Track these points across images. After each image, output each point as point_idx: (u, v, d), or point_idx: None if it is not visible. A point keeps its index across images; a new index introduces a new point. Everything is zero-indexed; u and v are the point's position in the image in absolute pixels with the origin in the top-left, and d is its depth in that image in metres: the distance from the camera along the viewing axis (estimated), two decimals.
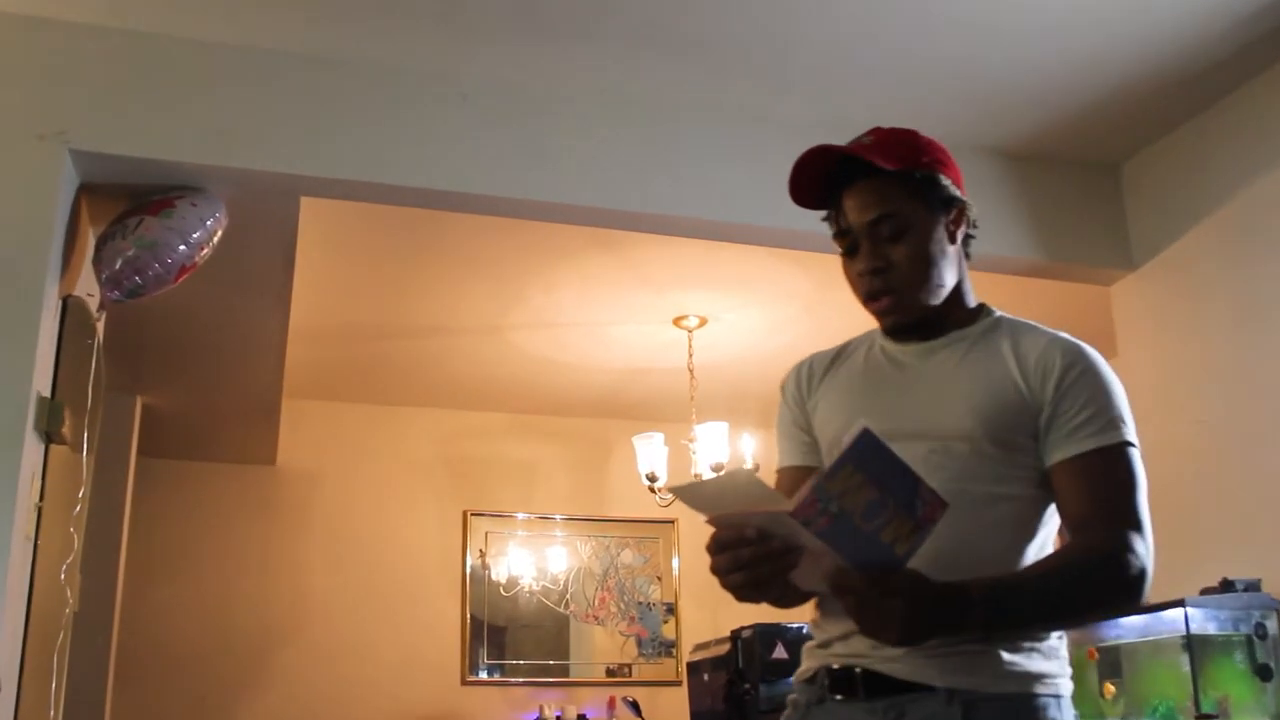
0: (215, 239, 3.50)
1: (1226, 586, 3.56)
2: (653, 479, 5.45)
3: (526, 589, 6.76)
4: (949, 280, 1.75)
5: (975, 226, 1.80)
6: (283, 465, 6.48)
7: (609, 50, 3.63)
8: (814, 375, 1.87)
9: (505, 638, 6.67)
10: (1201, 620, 3.52)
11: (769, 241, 4.10)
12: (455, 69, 3.67)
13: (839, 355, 1.87)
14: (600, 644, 6.84)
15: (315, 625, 6.35)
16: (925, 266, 1.71)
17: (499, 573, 6.75)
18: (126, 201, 3.45)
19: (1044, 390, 1.66)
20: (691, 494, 1.49)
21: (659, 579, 7.02)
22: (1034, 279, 4.42)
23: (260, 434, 5.98)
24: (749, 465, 5.54)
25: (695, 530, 6.89)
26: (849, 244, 1.75)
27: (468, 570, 6.69)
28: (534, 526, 6.90)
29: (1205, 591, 3.59)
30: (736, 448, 5.61)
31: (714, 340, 5.77)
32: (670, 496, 5.50)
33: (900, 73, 3.78)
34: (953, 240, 1.75)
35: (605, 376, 6.36)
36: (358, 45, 3.55)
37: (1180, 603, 3.50)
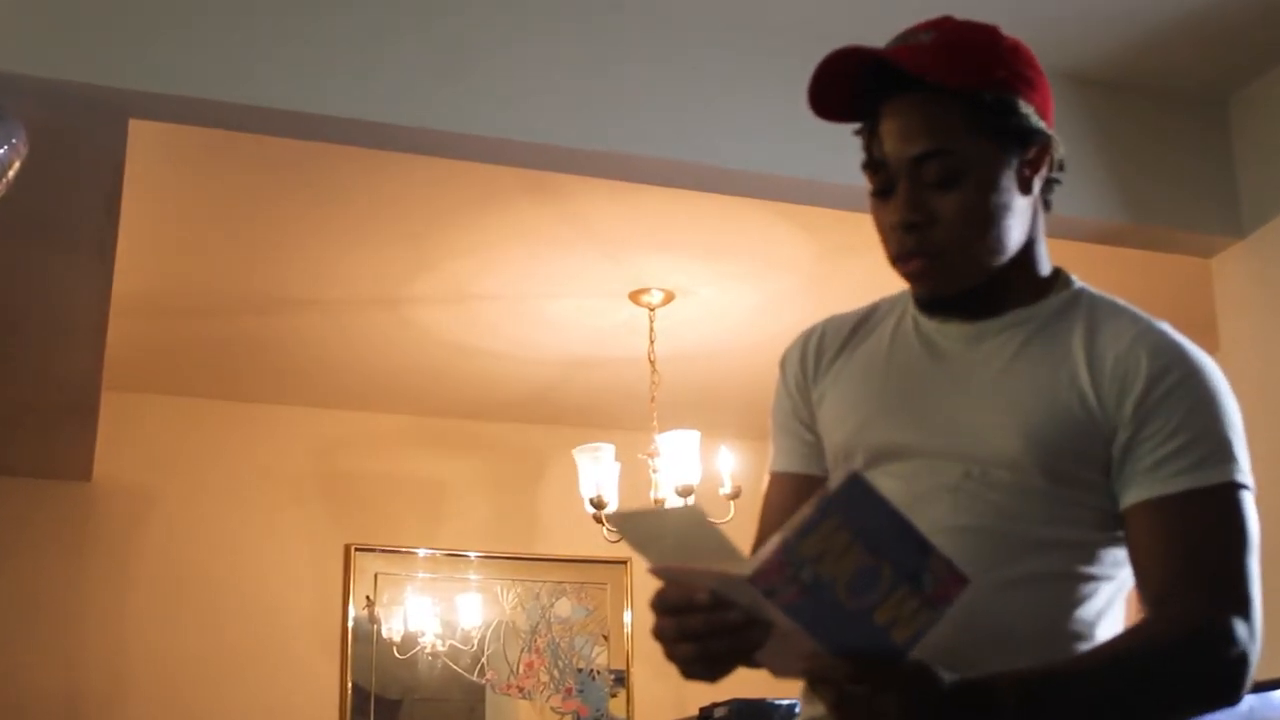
0: (10, 174, 3.46)
1: None
2: (599, 505, 5.44)
3: (428, 650, 6.76)
4: (1014, 241, 1.69)
5: (1061, 169, 1.74)
6: (101, 481, 6.43)
7: None
8: (823, 352, 1.83)
9: (399, 715, 6.65)
10: None
11: (760, 192, 4.14)
12: None
13: (860, 326, 1.83)
14: None
15: (139, 696, 6.32)
16: (982, 225, 1.65)
17: (392, 628, 6.75)
18: None
19: (1122, 405, 1.61)
20: (628, 526, 1.48)
21: (605, 638, 7.04)
22: (1109, 246, 4.43)
23: (71, 439, 5.93)
24: (728, 488, 5.55)
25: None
26: (882, 181, 1.68)
27: (350, 624, 6.69)
28: (440, 566, 6.90)
29: None
30: (711, 465, 5.62)
31: (683, 322, 5.80)
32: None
33: None
34: (1026, 189, 1.68)
35: (538, 368, 6.38)
36: None
37: None
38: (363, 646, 6.69)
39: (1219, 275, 4.48)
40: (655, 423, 5.67)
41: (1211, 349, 2.33)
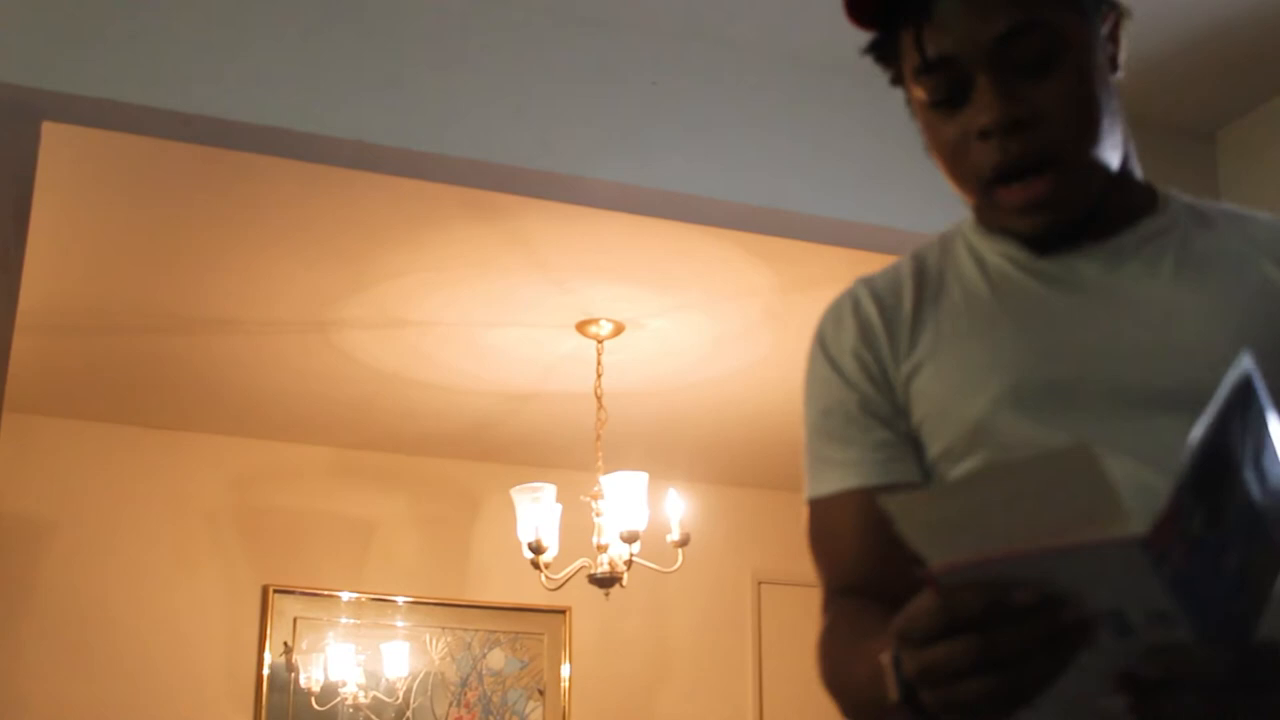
0: None
1: None
2: (538, 550, 5.44)
3: (349, 701, 6.72)
4: (1121, 137, 1.48)
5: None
6: None
7: None
8: (892, 319, 1.54)
9: None
10: None
11: (715, 220, 4.13)
12: None
13: (921, 279, 1.56)
14: None
15: None
16: (1095, 117, 1.42)
17: (311, 677, 6.72)
18: None
19: None
20: (931, 506, 1.08)
21: (541, 693, 7.04)
22: None
23: None
24: (676, 535, 5.55)
25: (596, 624, 6.91)
26: (946, 84, 1.42)
27: (266, 672, 6.67)
28: (365, 612, 6.89)
29: None
30: (659, 510, 5.62)
31: (633, 355, 5.82)
32: (563, 577, 5.49)
33: None
34: (1115, 68, 1.48)
35: (476, 401, 6.38)
36: None
37: None
38: (279, 696, 6.66)
39: None
40: (600, 463, 5.67)
41: None
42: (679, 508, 5.62)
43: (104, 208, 4.76)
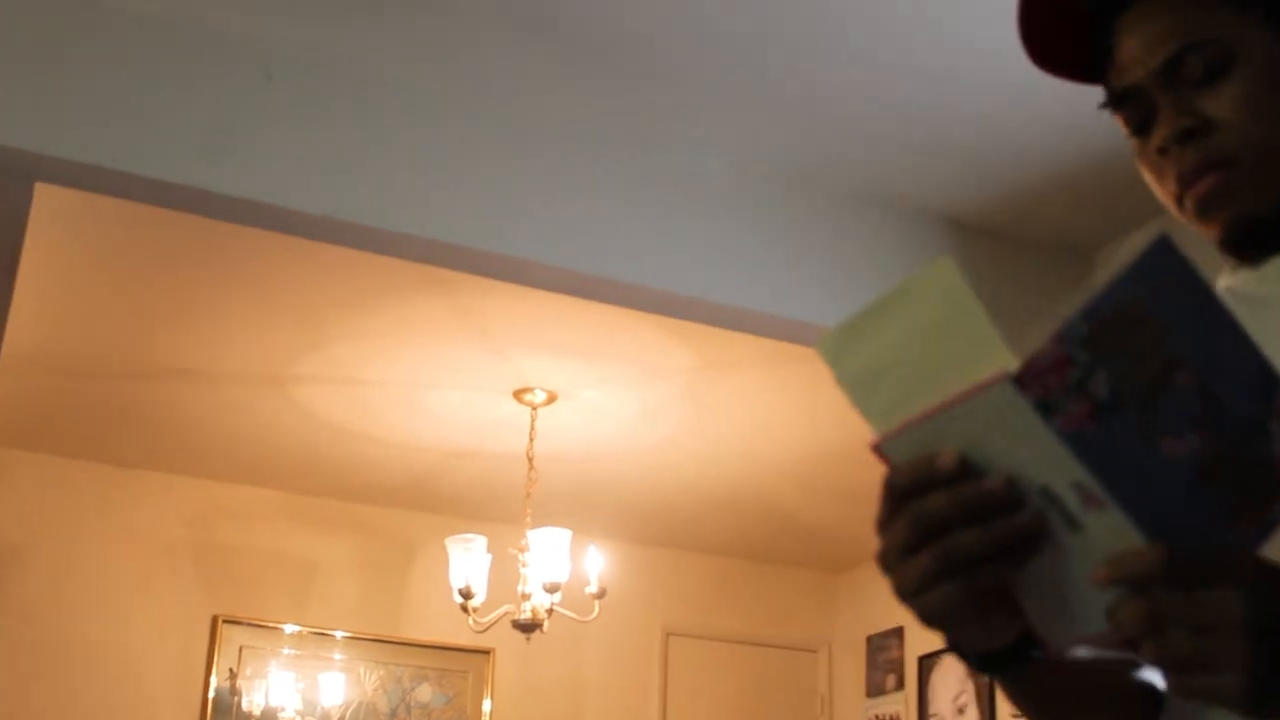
0: None
1: None
2: (467, 595, 5.42)
3: None
4: None
5: None
6: None
7: (465, 40, 3.65)
8: None
9: None
10: None
11: (644, 305, 4.15)
12: (260, 39, 3.67)
13: None
14: None
15: None
16: (1273, 113, 1.27)
17: (254, 700, 6.63)
18: None
19: None
20: (847, 345, 0.96)
21: None
22: None
23: None
24: (594, 587, 5.53)
25: (517, 666, 6.89)
26: (1136, 114, 1.33)
27: (211, 694, 6.57)
28: (306, 644, 6.81)
29: None
30: (579, 563, 5.60)
31: (563, 422, 5.80)
32: (489, 621, 5.46)
33: (833, 112, 3.87)
34: None
35: (417, 456, 6.34)
36: None
37: None
38: (222, 717, 6.56)
39: None
40: (528, 518, 5.66)
41: None
42: (598, 563, 5.62)
43: (83, 262, 4.73)
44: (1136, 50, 1.29)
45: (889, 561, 0.96)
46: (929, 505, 0.92)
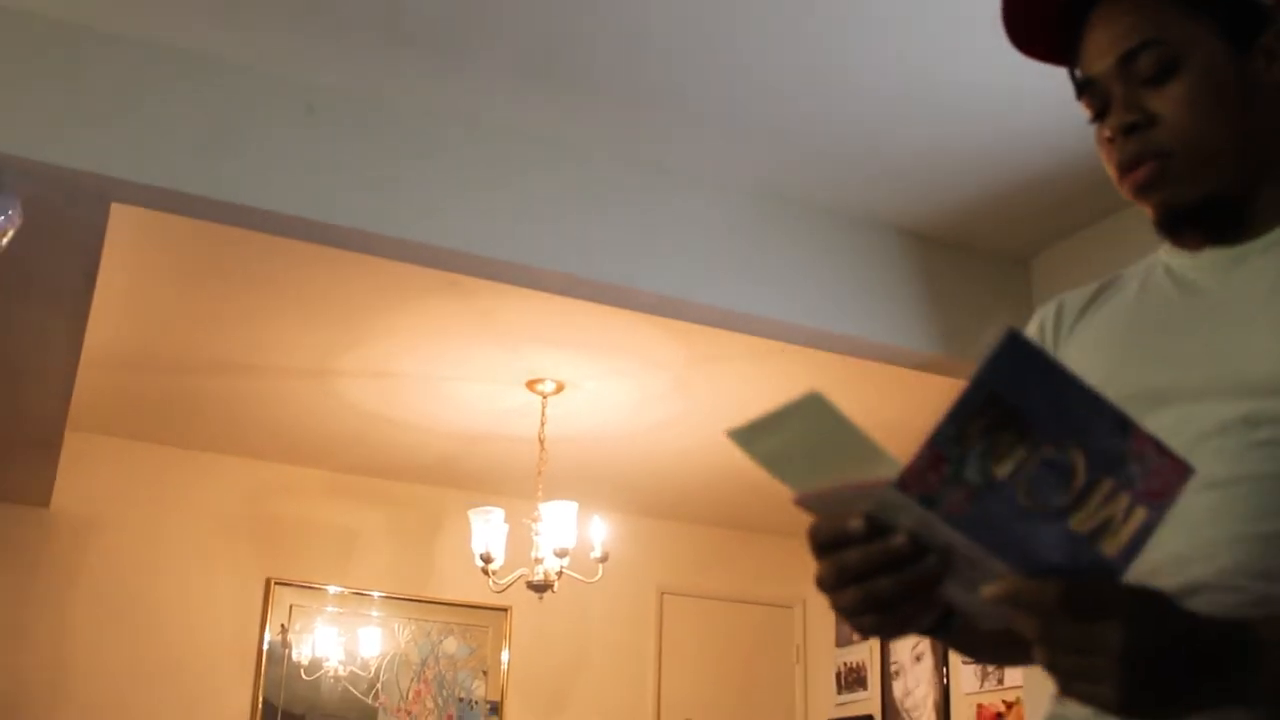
0: (4, 241, 3.44)
1: None
2: (487, 560, 5.43)
3: (331, 673, 6.66)
4: (1256, 138, 1.28)
5: None
6: (58, 509, 6.30)
7: (481, 75, 3.67)
8: (1063, 319, 1.42)
9: None
10: None
11: (640, 306, 4.16)
12: (304, 76, 3.68)
13: (1104, 288, 1.41)
14: None
15: (75, 704, 6.16)
16: (1211, 116, 1.26)
17: (301, 652, 6.65)
18: None
19: None
20: (752, 441, 0.98)
21: (485, 673, 6.98)
22: (928, 374, 4.54)
23: (35, 469, 5.81)
24: (598, 553, 5.56)
25: (531, 621, 6.89)
26: (1096, 101, 1.32)
27: (265, 647, 6.59)
28: (347, 602, 6.82)
29: None
30: (585, 532, 5.62)
31: (570, 409, 5.80)
32: (506, 582, 5.49)
33: (802, 134, 3.89)
34: (1269, 77, 1.28)
35: (443, 439, 6.33)
36: (195, 36, 3.53)
37: None
38: (274, 667, 6.58)
39: None
40: (540, 493, 5.66)
41: None
42: (601, 531, 5.63)
43: (158, 271, 4.74)
44: (1099, 44, 1.30)
45: (824, 589, 1.03)
46: (845, 559, 1.00)
